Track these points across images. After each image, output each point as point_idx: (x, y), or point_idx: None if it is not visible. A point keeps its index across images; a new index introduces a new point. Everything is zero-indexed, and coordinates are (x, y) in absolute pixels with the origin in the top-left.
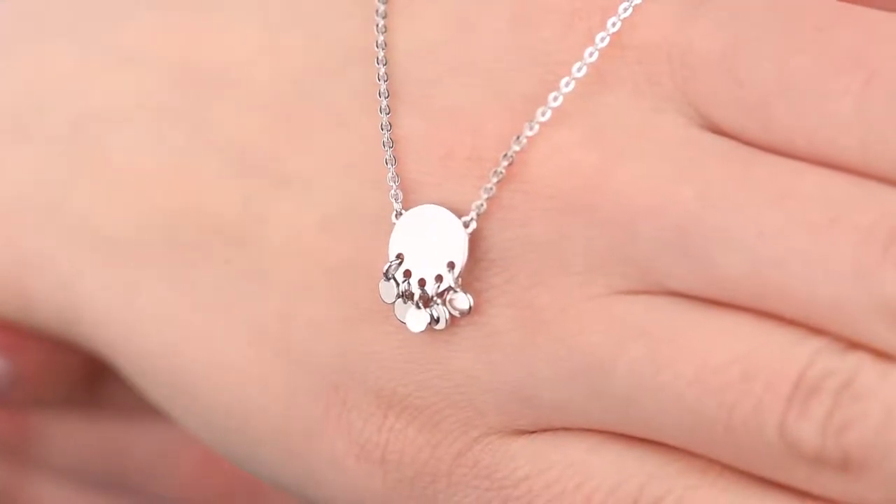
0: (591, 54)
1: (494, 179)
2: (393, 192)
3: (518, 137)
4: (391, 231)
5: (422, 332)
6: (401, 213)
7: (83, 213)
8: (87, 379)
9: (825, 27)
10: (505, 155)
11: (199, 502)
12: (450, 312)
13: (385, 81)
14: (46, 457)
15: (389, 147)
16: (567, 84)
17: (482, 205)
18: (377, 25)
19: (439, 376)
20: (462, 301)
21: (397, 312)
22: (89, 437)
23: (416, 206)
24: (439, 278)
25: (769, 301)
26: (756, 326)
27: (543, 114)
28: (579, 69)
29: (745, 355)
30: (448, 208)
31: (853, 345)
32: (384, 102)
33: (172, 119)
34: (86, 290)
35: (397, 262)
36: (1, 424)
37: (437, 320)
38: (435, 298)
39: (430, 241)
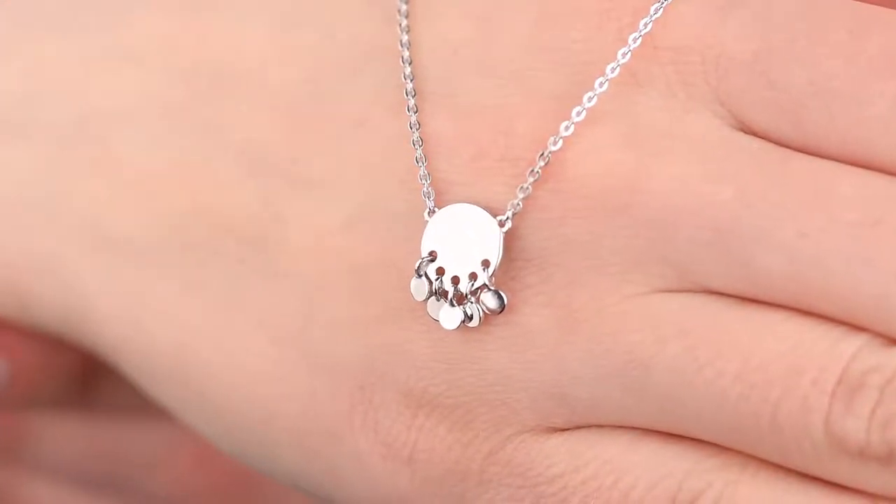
0: (624, 55)
1: (531, 179)
2: (425, 190)
3: (554, 137)
4: (422, 229)
5: (455, 330)
6: (434, 211)
7: (88, 212)
8: (82, 378)
9: (856, 30)
10: (542, 154)
11: (193, 501)
12: (483, 311)
13: (411, 80)
14: (40, 456)
15: (419, 146)
16: (601, 84)
17: (518, 204)
18: (400, 25)
19: (472, 375)
20: (496, 299)
21: (430, 310)
22: (83, 436)
23: (448, 205)
24: (473, 276)
25: (809, 299)
26: (797, 324)
27: (578, 114)
28: (613, 69)
29: (789, 352)
30: (482, 207)
31: (894, 341)
32: (412, 101)
33: (180, 118)
34: (90, 291)
35: (429, 259)
36: None
37: (471, 318)
38: (468, 296)
39: (464, 240)
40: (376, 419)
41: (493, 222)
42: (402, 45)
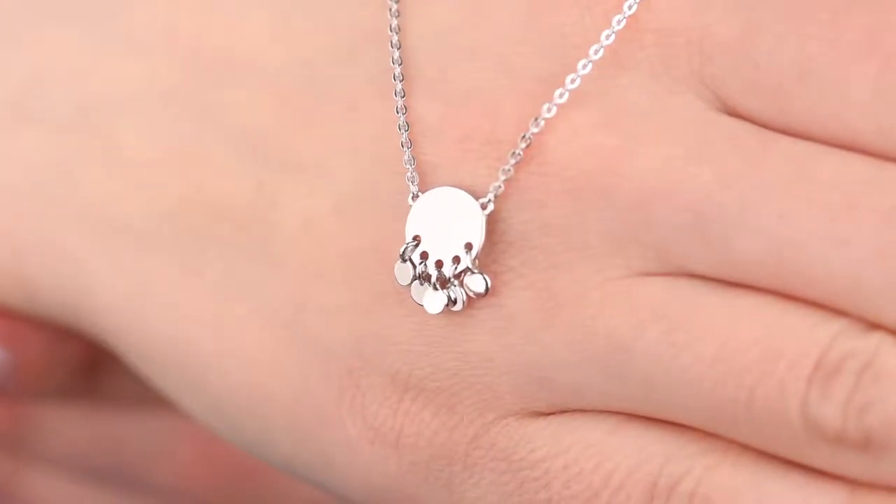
0: (607, 36)
1: (512, 161)
2: (409, 174)
3: (536, 119)
4: (407, 214)
5: (439, 314)
6: (417, 196)
7: (91, 199)
8: (85, 369)
9: (839, 11)
10: (523, 136)
11: (195, 493)
12: (467, 294)
13: (399, 65)
14: (42, 448)
15: (405, 130)
16: (584, 66)
17: (500, 186)
18: (390, 10)
19: (456, 359)
20: (479, 282)
21: (414, 294)
22: (86, 427)
23: (433, 188)
24: (456, 260)
25: (788, 283)
26: (776, 308)
27: (561, 95)
28: (596, 51)
29: (766, 336)
30: (465, 191)
31: (873, 326)
32: (399, 86)
33: (180, 105)
34: (93, 278)
35: (413, 244)
36: None
37: (455, 301)
38: (452, 280)
39: (448, 223)
40: (364, 404)
41: (476, 205)
42: (391, 30)
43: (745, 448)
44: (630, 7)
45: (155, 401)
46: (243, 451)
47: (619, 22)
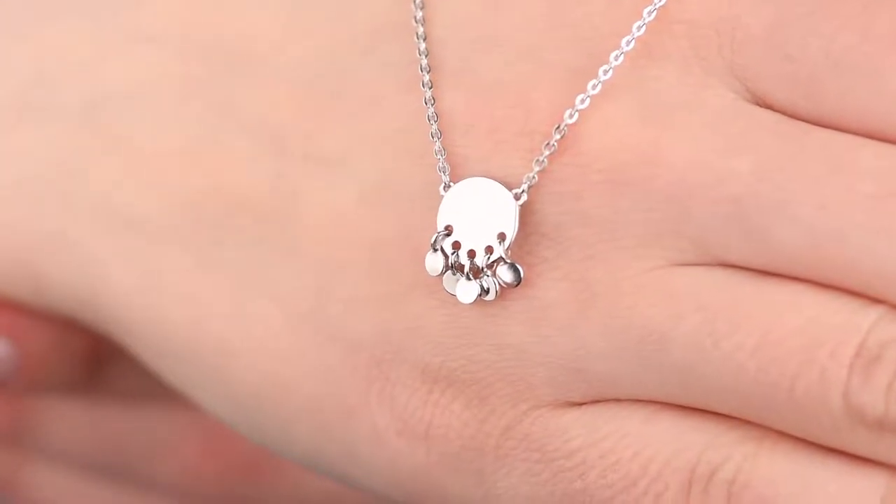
0: (639, 28)
1: (546, 152)
2: (440, 164)
3: (570, 110)
4: (438, 204)
5: (471, 304)
6: (449, 186)
7: (104, 192)
8: (90, 363)
9: (871, 2)
10: (557, 127)
11: (200, 489)
12: (500, 284)
13: (426, 56)
14: (46, 442)
15: (434, 121)
16: (616, 58)
17: (534, 177)
18: (414, 1)
19: (489, 350)
20: (513, 272)
21: (446, 285)
22: (90, 422)
23: (464, 179)
24: (489, 250)
25: (827, 272)
26: (815, 297)
27: (594, 87)
28: (628, 42)
29: (807, 325)
30: (497, 181)
31: None
32: (426, 77)
33: (195, 97)
34: (105, 270)
35: (445, 233)
36: (1, 409)
37: (487, 291)
38: (485, 270)
39: (480, 214)
40: (392, 395)
41: (509, 195)
42: (416, 21)
43: (783, 435)
44: None
45: (160, 395)
46: (259, 445)
47: (650, 13)
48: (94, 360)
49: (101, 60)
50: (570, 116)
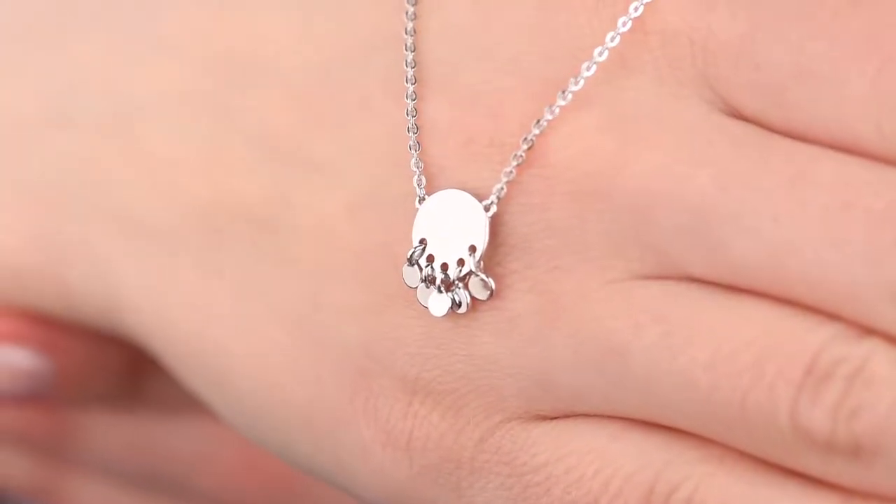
0: (612, 38)
1: (514, 163)
2: (417, 177)
3: (538, 121)
4: (415, 216)
5: (444, 316)
6: (423, 199)
7: (122, 201)
8: (128, 374)
9: (840, 12)
10: (525, 139)
11: (237, 500)
12: (471, 296)
13: (413, 68)
14: (85, 453)
15: (414, 133)
16: (588, 68)
17: (502, 189)
18: (406, 12)
19: (462, 361)
20: (483, 285)
21: (420, 297)
22: (128, 433)
23: (439, 191)
24: (461, 262)
25: (784, 286)
26: (771, 312)
27: (564, 98)
28: (601, 53)
29: (759, 340)
30: (470, 193)
31: (868, 331)
32: (411, 88)
33: (204, 107)
34: (122, 279)
35: (420, 247)
36: (40, 421)
37: (459, 304)
38: (457, 283)
39: (453, 226)
40: (376, 406)
41: (479, 207)
42: (406, 33)
43: (743, 455)
44: (636, 9)
45: (200, 408)
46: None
47: (624, 24)
48: (133, 373)
49: (123, 72)
50: (538, 127)
